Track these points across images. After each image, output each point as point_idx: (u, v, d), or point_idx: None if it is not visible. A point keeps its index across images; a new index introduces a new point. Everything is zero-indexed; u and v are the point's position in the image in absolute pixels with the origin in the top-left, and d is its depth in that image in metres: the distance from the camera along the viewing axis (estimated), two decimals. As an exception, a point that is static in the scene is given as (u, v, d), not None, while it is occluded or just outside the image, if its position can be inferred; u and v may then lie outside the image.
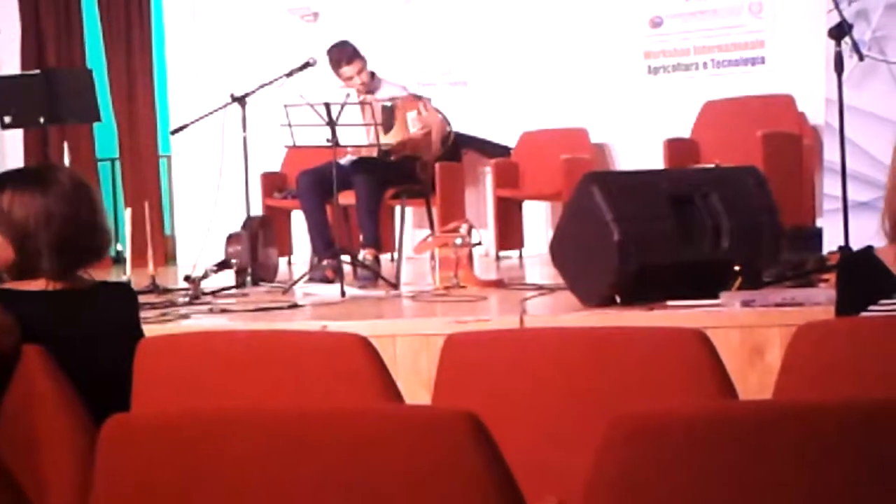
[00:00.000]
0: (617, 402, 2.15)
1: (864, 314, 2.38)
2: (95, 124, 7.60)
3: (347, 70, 6.30)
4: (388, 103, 6.04)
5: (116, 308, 2.61)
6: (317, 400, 2.21)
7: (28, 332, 2.44)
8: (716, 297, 4.19)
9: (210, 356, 2.37)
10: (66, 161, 6.59)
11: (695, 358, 2.16)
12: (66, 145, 6.89)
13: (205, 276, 5.57)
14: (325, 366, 2.26)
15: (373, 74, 6.44)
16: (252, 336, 2.68)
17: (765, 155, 6.24)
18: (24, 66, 8.10)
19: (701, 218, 4.47)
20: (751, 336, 3.93)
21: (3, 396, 2.39)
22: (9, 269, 2.56)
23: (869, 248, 2.48)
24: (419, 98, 6.20)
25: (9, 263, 2.55)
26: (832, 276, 3.83)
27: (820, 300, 4.00)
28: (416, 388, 3.73)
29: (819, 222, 6.21)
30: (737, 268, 4.34)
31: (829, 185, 5.71)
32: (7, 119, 6.30)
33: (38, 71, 7.12)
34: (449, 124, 6.46)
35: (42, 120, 6.42)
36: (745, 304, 4.09)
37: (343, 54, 6.33)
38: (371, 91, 6.30)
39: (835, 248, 5.19)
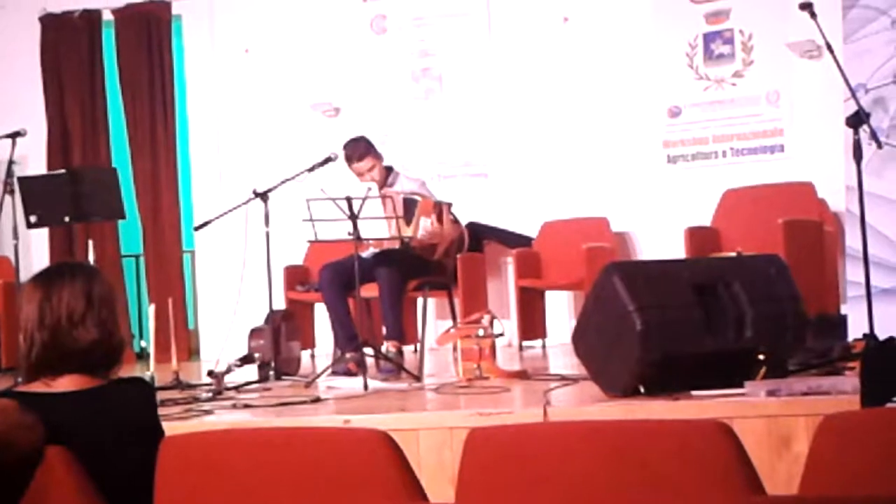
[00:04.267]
0: (642, 497, 2.13)
1: (889, 405, 2.36)
2: (120, 221, 7.65)
3: (359, 166, 6.36)
4: (413, 196, 6.08)
5: (132, 403, 2.58)
6: (339, 498, 2.20)
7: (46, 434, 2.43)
8: (741, 386, 4.16)
9: (232, 454, 2.37)
10: (91, 258, 6.61)
11: (720, 452, 2.14)
12: (90, 242, 6.93)
13: (228, 370, 5.58)
14: (348, 463, 2.25)
15: (389, 169, 6.49)
16: (274, 433, 2.67)
17: (786, 242, 6.23)
18: (50, 165, 8.21)
19: (724, 307, 4.46)
20: (777, 426, 3.90)
21: (22, 497, 2.38)
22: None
23: (892, 339, 2.47)
24: (439, 204, 6.21)
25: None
26: (858, 364, 3.80)
27: (846, 388, 3.96)
28: (440, 482, 3.69)
29: (843, 309, 6.18)
30: (761, 356, 4.31)
31: (852, 272, 5.69)
32: (33, 218, 6.34)
33: (63, 170, 7.20)
34: (464, 232, 6.50)
35: (67, 218, 6.46)
36: (771, 393, 4.06)
37: (355, 150, 6.40)
38: (388, 186, 6.35)
39: (860, 336, 5.16)
